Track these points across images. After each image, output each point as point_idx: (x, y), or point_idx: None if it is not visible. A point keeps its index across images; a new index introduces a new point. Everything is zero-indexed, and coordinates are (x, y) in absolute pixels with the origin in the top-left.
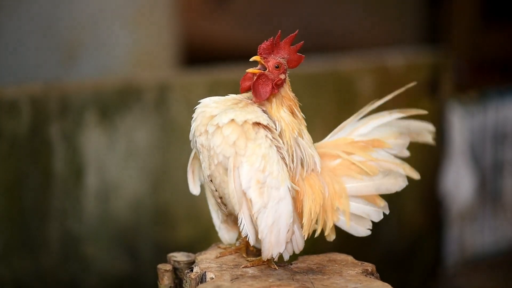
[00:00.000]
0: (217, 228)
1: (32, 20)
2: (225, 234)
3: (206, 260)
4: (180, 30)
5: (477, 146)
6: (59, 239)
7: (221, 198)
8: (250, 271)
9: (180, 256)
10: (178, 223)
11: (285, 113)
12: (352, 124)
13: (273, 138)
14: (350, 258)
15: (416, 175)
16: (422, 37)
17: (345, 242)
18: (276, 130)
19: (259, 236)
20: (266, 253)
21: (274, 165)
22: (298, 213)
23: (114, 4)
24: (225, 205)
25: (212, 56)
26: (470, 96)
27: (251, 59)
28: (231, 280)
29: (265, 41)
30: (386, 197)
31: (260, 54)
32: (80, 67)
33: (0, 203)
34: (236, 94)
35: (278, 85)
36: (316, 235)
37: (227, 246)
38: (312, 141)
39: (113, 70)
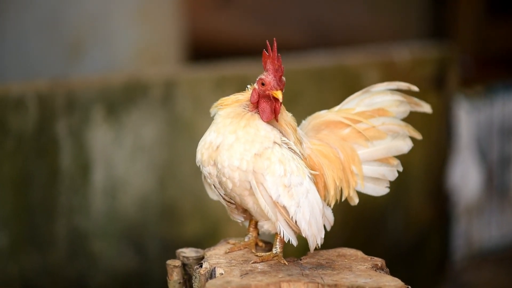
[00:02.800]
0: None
1: (38, 16)
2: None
3: (215, 256)
4: (185, 26)
5: (484, 141)
6: (66, 235)
7: (231, 201)
8: (260, 266)
9: (189, 252)
10: (185, 218)
11: (288, 117)
12: (356, 98)
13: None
14: (359, 253)
15: (419, 136)
16: (428, 32)
17: (352, 237)
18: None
19: (303, 235)
20: (312, 245)
21: (291, 162)
22: (322, 187)
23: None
24: (238, 208)
25: (217, 52)
26: (476, 91)
27: (281, 98)
28: (241, 275)
29: (278, 72)
30: (392, 193)
31: (283, 86)
32: (85, 63)
33: (8, 200)
34: (242, 90)
35: (278, 106)
36: (343, 199)
37: (236, 242)
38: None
39: (118, 66)
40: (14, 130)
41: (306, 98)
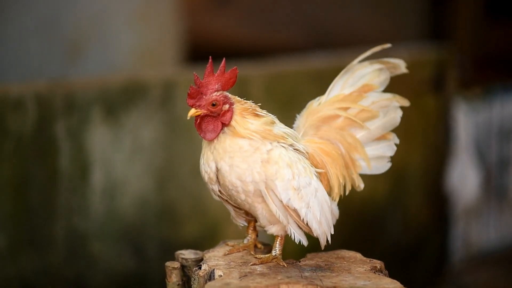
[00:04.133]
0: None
1: (37, 17)
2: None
3: (214, 258)
4: (184, 27)
5: (482, 142)
6: (65, 236)
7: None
8: (259, 268)
9: (188, 254)
10: (184, 220)
11: (251, 123)
12: (340, 80)
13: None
14: (358, 255)
15: (407, 103)
16: (427, 33)
17: (351, 239)
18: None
19: (314, 234)
20: (323, 242)
21: (298, 164)
22: (326, 185)
23: (118, 1)
24: (246, 213)
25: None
26: (475, 92)
27: (188, 117)
28: (240, 277)
29: (188, 91)
30: (390, 195)
31: (192, 105)
32: (84, 64)
33: (6, 201)
34: (241, 91)
35: (226, 119)
36: (347, 193)
37: (235, 244)
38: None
39: (117, 67)
40: (13, 131)
41: (306, 99)
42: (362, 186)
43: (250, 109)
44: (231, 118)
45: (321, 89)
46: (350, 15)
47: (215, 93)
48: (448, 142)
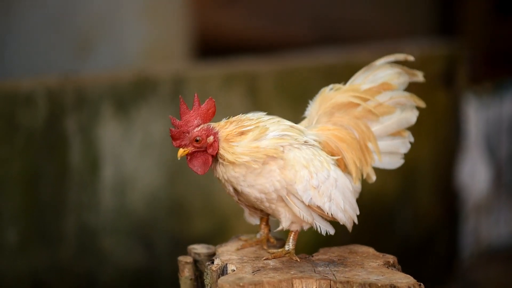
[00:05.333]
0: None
1: (47, 13)
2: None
3: (227, 252)
4: (193, 22)
5: (493, 138)
6: (76, 232)
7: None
8: (272, 263)
9: (200, 248)
10: (194, 215)
11: (237, 145)
12: (360, 76)
13: (291, 143)
14: (371, 250)
15: (423, 104)
16: (437, 28)
17: (360, 235)
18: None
19: (341, 223)
20: (350, 227)
21: (314, 161)
22: (343, 169)
23: None
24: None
25: (225, 48)
26: (485, 88)
27: (178, 158)
28: (253, 272)
29: (169, 133)
30: (400, 190)
31: (178, 146)
32: (94, 60)
33: (17, 197)
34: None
35: (213, 149)
36: (364, 176)
37: (247, 238)
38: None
39: (126, 62)
40: (23, 127)
41: (315, 95)
42: (374, 178)
43: (235, 130)
44: (217, 148)
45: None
46: (359, 10)
47: (196, 128)
48: (458, 137)
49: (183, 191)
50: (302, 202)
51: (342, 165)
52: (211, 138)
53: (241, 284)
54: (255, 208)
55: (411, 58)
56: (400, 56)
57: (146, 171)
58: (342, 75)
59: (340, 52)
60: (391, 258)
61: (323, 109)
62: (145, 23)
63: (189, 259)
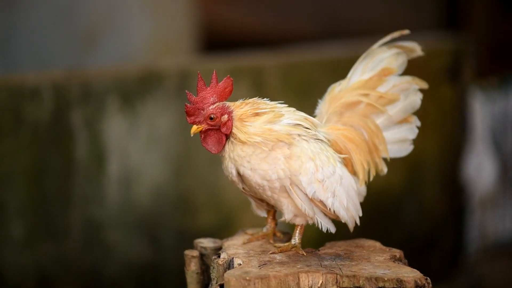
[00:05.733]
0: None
1: (52, 6)
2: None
3: (233, 246)
4: (199, 16)
5: (499, 132)
6: (81, 226)
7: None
8: (278, 257)
9: (206, 242)
10: (200, 209)
11: (250, 125)
12: (360, 65)
13: (301, 133)
14: (378, 244)
15: (426, 85)
16: (442, 23)
17: (366, 229)
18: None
19: (343, 221)
20: (352, 226)
21: (320, 155)
22: (351, 170)
23: None
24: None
25: (231, 42)
26: (491, 82)
27: (191, 135)
28: (259, 266)
29: (184, 109)
30: (406, 185)
31: (191, 122)
32: (100, 54)
33: (23, 190)
34: (256, 80)
35: (227, 128)
36: (371, 179)
37: (254, 232)
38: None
39: (133, 56)
40: (29, 120)
41: (322, 88)
42: (385, 170)
43: (250, 110)
44: (231, 127)
45: (337, 79)
46: (364, 4)
47: (212, 106)
48: (464, 132)
49: (189, 185)
50: (306, 194)
51: (349, 165)
52: (225, 117)
53: (247, 278)
54: (261, 200)
55: (406, 32)
56: (396, 34)
57: (151, 165)
58: (347, 69)
59: (345, 46)
60: (398, 252)
61: (333, 109)
62: (151, 17)
63: (195, 253)
